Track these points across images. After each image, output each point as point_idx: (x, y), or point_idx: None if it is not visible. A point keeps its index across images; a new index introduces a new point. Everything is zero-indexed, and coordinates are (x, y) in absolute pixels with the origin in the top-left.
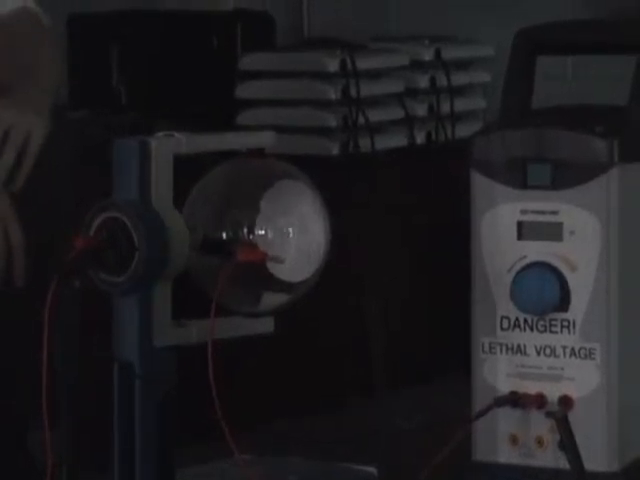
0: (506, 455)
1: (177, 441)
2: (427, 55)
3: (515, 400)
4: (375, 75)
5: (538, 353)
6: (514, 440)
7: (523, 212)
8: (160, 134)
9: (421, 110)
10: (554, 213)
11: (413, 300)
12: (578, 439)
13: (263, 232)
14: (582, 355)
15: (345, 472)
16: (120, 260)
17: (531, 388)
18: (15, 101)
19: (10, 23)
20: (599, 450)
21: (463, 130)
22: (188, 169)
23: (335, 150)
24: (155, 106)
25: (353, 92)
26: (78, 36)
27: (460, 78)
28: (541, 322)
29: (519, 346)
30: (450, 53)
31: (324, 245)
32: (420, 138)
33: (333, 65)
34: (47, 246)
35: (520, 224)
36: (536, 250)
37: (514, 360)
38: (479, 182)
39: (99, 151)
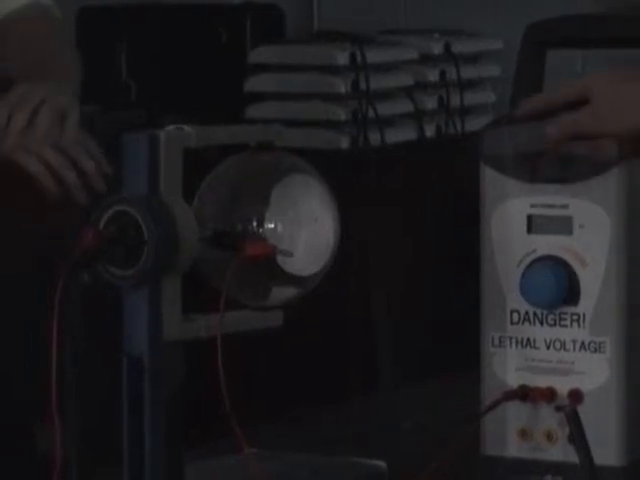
0: (515, 449)
1: (185, 438)
2: (437, 49)
3: (525, 394)
4: (385, 68)
5: (548, 347)
6: (523, 434)
7: (533, 206)
8: (169, 127)
9: (431, 104)
10: (564, 207)
11: (422, 294)
12: (588, 433)
13: (272, 226)
14: (592, 349)
15: (355, 466)
16: (129, 254)
17: (541, 382)
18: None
19: (22, 17)
20: (609, 444)
21: (473, 124)
22: (197, 162)
23: (345, 144)
24: (164, 99)
25: (363, 85)
26: (87, 29)
27: (470, 72)
28: (551, 316)
29: (529, 340)
30: (460, 47)
31: (333, 239)
32: (430, 132)
33: (343, 58)
34: (55, 240)
35: (530, 218)
36: (546, 244)
37: (524, 354)
38: (489, 176)
39: (108, 146)
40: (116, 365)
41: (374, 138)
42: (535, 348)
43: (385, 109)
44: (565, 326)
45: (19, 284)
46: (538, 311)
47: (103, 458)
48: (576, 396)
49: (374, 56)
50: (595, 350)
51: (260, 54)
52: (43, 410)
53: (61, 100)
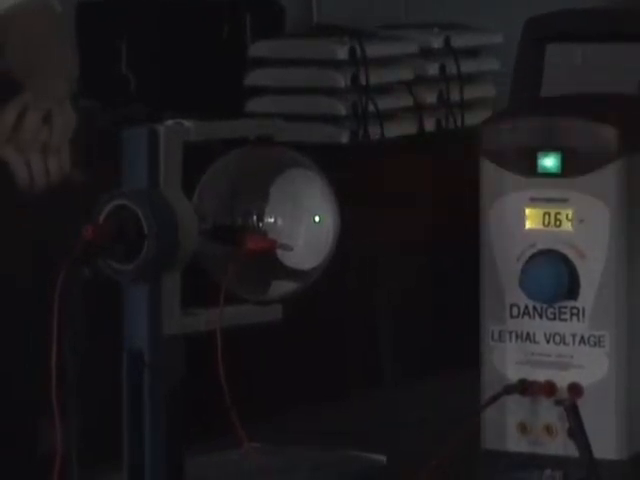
0: (515, 443)
1: (185, 434)
2: (436, 43)
3: (524, 388)
4: (384, 63)
5: (547, 341)
6: (523, 428)
7: (532, 199)
8: (169, 122)
9: (430, 98)
10: (564, 201)
11: (422, 290)
12: (587, 427)
13: (272, 220)
14: (591, 343)
15: (355, 460)
16: (129, 248)
17: (540, 376)
18: (41, 89)
19: (23, 11)
20: (608, 438)
21: (472, 118)
22: (197, 157)
23: (344, 138)
24: (164, 94)
25: (362, 80)
26: (87, 24)
27: (470, 66)
28: (550, 310)
29: (528, 334)
30: (460, 41)
31: (333, 233)
32: (430, 126)
33: (342, 53)
34: (55, 237)
35: (529, 212)
36: (545, 238)
37: (523, 348)
38: (488, 170)
39: (108, 142)
40: (116, 362)
41: (374, 132)
42: (535, 342)
43: (385, 103)
44: (565, 320)
45: (19, 284)
46: (538, 305)
47: (103, 455)
48: (575, 390)
49: (374, 50)
50: (594, 344)
51: (260, 49)
52: (43, 409)
53: (48, 101)
